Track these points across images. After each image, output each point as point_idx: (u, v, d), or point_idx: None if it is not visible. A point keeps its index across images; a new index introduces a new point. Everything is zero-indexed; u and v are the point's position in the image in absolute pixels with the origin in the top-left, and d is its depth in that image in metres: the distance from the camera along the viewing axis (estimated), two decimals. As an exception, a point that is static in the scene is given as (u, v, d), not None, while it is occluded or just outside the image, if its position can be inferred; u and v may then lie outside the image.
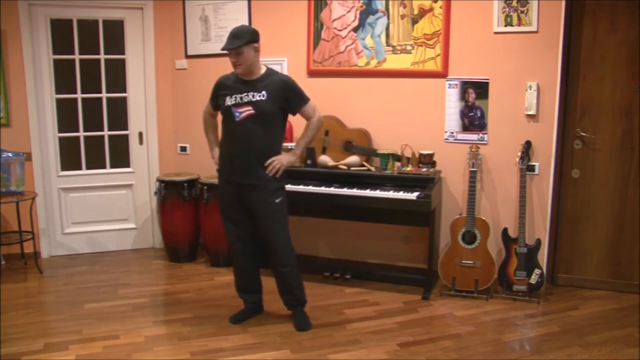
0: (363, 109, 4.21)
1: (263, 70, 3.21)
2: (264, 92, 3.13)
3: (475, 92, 3.95)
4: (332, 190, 3.83)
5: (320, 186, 3.86)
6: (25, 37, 4.38)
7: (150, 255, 4.80)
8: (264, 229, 3.27)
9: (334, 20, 4.22)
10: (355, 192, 3.79)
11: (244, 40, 3.06)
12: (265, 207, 3.22)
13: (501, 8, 3.80)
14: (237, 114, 3.15)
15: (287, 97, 3.19)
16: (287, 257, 3.30)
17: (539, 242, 3.79)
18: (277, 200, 3.24)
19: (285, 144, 3.55)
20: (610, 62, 3.76)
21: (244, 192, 3.23)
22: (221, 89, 3.25)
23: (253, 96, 3.13)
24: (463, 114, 4.01)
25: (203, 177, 4.55)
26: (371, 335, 3.27)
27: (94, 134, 4.74)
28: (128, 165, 4.86)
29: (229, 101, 3.17)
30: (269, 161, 3.18)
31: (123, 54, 4.71)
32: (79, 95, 4.64)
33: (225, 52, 3.12)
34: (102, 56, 4.65)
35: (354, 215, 4.21)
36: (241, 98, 3.15)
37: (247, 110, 3.13)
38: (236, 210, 3.30)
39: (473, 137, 4.00)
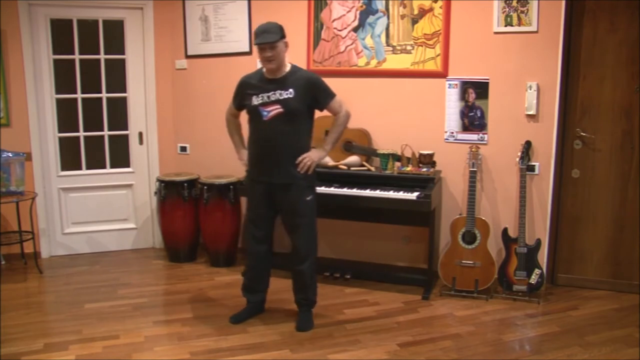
0: (363, 109, 4.21)
1: (288, 67, 3.20)
2: (291, 90, 3.12)
3: (475, 92, 3.95)
4: (332, 190, 3.83)
5: (320, 186, 3.85)
6: (25, 37, 4.38)
7: (150, 255, 4.80)
8: (292, 226, 3.28)
9: (334, 20, 4.22)
10: (355, 192, 3.79)
11: (277, 35, 3.06)
12: (296, 205, 3.22)
13: (501, 8, 3.80)
14: (264, 113, 3.14)
15: (314, 94, 3.19)
16: (309, 255, 3.30)
17: (539, 242, 3.79)
18: (308, 198, 3.25)
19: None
20: (610, 62, 3.76)
21: (275, 192, 3.23)
22: (246, 88, 3.24)
23: (281, 94, 3.12)
24: (463, 114, 4.01)
25: (203, 177, 4.55)
26: (371, 335, 3.27)
27: (94, 134, 4.74)
28: (128, 165, 4.86)
29: (256, 100, 3.16)
30: (300, 158, 3.18)
31: (123, 54, 4.71)
32: (79, 95, 4.64)
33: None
34: (102, 56, 4.65)
35: (354, 215, 4.21)
36: (268, 97, 3.13)
37: (276, 109, 3.12)
38: (263, 210, 3.30)
39: (473, 137, 4.00)
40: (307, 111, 3.22)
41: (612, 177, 3.87)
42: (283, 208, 3.27)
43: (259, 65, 3.26)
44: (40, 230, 4.60)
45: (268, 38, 3.04)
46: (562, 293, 3.93)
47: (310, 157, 3.20)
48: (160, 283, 4.19)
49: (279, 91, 3.13)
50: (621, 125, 3.80)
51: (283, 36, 3.11)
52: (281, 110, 3.12)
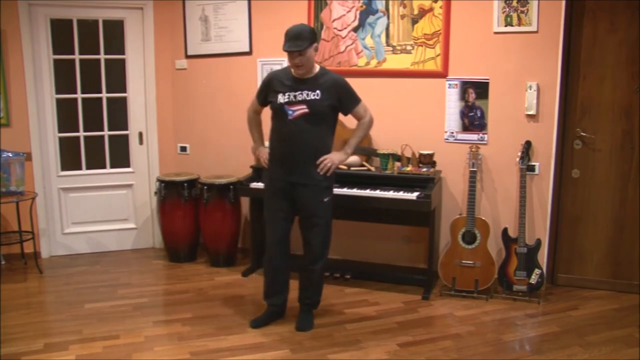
0: (363, 109, 4.21)
1: (317, 69, 3.20)
2: (318, 92, 3.12)
3: (475, 92, 3.95)
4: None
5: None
6: (25, 37, 4.38)
7: (150, 255, 4.80)
8: (307, 226, 3.28)
9: (334, 20, 4.22)
10: (355, 192, 3.79)
11: (307, 42, 3.05)
12: (313, 205, 3.23)
13: (501, 8, 3.80)
14: (290, 112, 3.13)
15: (340, 97, 3.20)
16: (322, 255, 3.31)
17: (539, 242, 3.79)
18: (325, 199, 3.26)
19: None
20: (610, 62, 3.76)
21: (294, 191, 3.23)
22: (273, 85, 3.22)
23: (307, 95, 3.12)
24: (463, 114, 4.01)
25: (203, 177, 4.55)
26: (371, 335, 3.27)
27: (94, 134, 4.74)
28: (128, 165, 4.86)
29: (282, 99, 3.15)
30: (321, 159, 3.19)
31: (123, 54, 4.71)
32: (79, 95, 4.64)
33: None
34: (102, 56, 4.64)
35: (354, 215, 4.21)
36: (295, 96, 3.13)
37: (301, 109, 3.12)
38: (281, 209, 3.29)
39: (473, 137, 4.00)
40: (332, 113, 3.23)
41: (612, 177, 3.87)
42: (301, 207, 3.27)
43: (286, 63, 3.25)
44: (40, 230, 4.60)
45: (298, 46, 3.02)
46: (562, 293, 3.93)
47: (331, 159, 3.20)
48: (160, 283, 4.19)
49: (306, 91, 3.13)
50: (621, 125, 3.80)
51: (314, 41, 3.10)
52: (306, 110, 3.12)
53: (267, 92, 3.27)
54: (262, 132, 3.48)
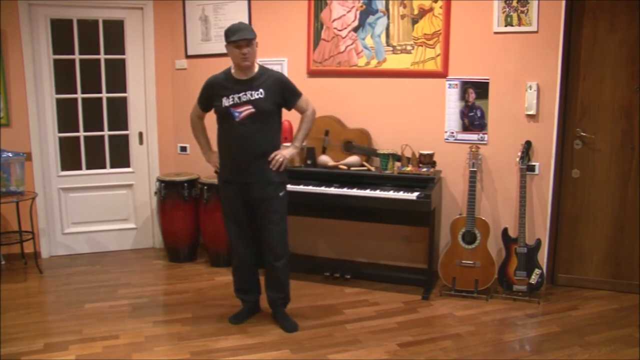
0: (363, 109, 4.21)
1: (257, 68, 3.23)
2: (261, 90, 3.16)
3: (475, 92, 3.95)
4: (332, 190, 3.83)
5: (320, 186, 3.86)
6: (25, 37, 4.38)
7: (150, 255, 4.80)
8: (264, 223, 3.28)
9: (334, 20, 4.22)
10: (355, 192, 3.79)
11: (254, 33, 3.13)
12: (268, 201, 3.24)
13: (501, 8, 3.80)
14: (236, 114, 3.15)
15: (283, 93, 3.25)
16: (282, 251, 3.32)
17: (539, 242, 3.79)
18: (280, 194, 3.28)
19: (285, 144, 3.57)
20: (610, 62, 3.76)
21: (247, 190, 3.24)
22: (215, 90, 3.25)
23: (252, 95, 3.15)
24: (463, 114, 4.01)
25: (203, 177, 4.55)
26: (371, 335, 3.27)
27: (94, 134, 4.74)
28: (128, 165, 4.86)
29: (226, 102, 3.17)
30: (272, 155, 3.21)
31: (123, 54, 4.71)
32: (79, 95, 4.64)
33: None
34: (102, 56, 4.65)
35: (354, 215, 4.21)
36: (239, 98, 3.15)
37: (247, 110, 3.14)
38: (239, 210, 3.31)
39: (473, 137, 4.00)
40: (277, 110, 3.27)
41: (612, 177, 3.87)
42: (257, 206, 3.28)
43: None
44: (40, 230, 4.60)
45: (247, 35, 3.08)
46: (562, 293, 3.93)
47: (282, 154, 3.23)
48: (160, 283, 4.19)
49: (250, 92, 3.15)
50: (621, 125, 3.80)
51: (256, 36, 3.16)
52: (253, 110, 3.14)
53: (209, 97, 3.29)
54: (207, 138, 3.49)
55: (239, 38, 3.07)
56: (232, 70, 3.23)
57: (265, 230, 3.29)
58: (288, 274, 3.40)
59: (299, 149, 3.43)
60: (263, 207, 3.26)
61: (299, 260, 4.27)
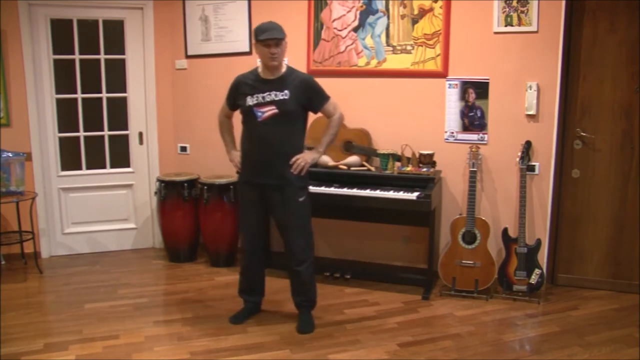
0: (363, 109, 4.21)
1: (284, 68, 3.20)
2: (286, 91, 3.12)
3: (475, 92, 3.95)
4: (332, 190, 3.83)
5: (320, 186, 3.86)
6: (25, 37, 4.38)
7: (150, 255, 4.80)
8: (285, 228, 3.26)
9: (334, 20, 4.22)
10: (355, 192, 3.79)
11: (284, 33, 3.09)
12: (289, 206, 3.21)
13: (501, 8, 3.80)
14: (259, 114, 3.13)
15: (309, 95, 3.19)
16: (303, 257, 3.28)
17: (539, 242, 3.79)
18: (301, 199, 3.23)
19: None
20: (610, 62, 3.76)
21: (267, 193, 3.22)
22: (241, 88, 3.22)
23: (276, 95, 3.12)
24: (463, 114, 4.01)
25: (203, 177, 4.55)
26: (371, 335, 3.27)
27: (94, 134, 4.74)
28: (128, 165, 4.86)
29: (250, 101, 3.15)
30: (294, 159, 3.17)
31: (123, 54, 4.71)
32: (79, 95, 4.64)
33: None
34: (102, 56, 4.65)
35: (354, 215, 4.22)
36: (263, 97, 3.13)
37: (270, 110, 3.11)
38: (256, 212, 3.29)
39: (473, 137, 4.00)
40: (302, 112, 3.22)
41: (612, 177, 3.87)
42: (276, 209, 3.25)
43: (259, 63, 3.26)
44: (40, 230, 4.61)
45: (277, 34, 3.05)
46: (562, 293, 3.93)
47: (304, 158, 3.19)
48: (160, 283, 4.19)
49: (274, 92, 3.12)
50: (621, 125, 3.80)
51: (285, 36, 3.13)
52: (276, 111, 3.11)
53: (236, 95, 3.26)
54: (233, 137, 3.47)
55: (268, 37, 3.03)
56: (260, 70, 3.21)
57: (286, 236, 3.27)
58: (312, 278, 3.36)
59: (323, 154, 3.36)
60: (282, 211, 3.22)
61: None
